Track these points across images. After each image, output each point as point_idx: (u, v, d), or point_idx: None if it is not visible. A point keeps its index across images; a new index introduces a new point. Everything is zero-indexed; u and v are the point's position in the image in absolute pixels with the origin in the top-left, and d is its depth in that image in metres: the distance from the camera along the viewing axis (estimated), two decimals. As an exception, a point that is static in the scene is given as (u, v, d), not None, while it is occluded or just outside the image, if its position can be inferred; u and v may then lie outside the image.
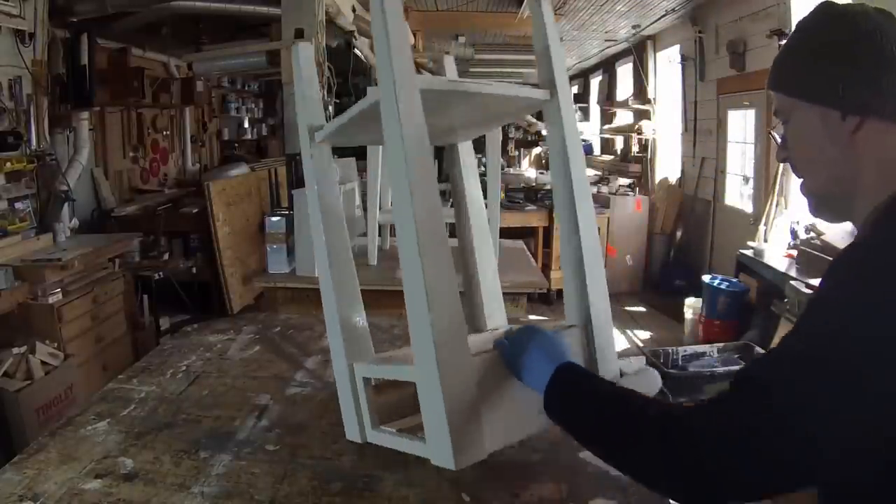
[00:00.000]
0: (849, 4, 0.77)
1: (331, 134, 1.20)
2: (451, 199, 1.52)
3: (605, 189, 6.59)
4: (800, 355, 0.67)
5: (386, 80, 0.92)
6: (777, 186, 4.13)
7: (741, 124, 5.10)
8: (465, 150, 1.46)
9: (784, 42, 0.87)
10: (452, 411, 0.89)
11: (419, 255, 0.90)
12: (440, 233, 0.93)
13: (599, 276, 1.15)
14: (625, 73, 8.31)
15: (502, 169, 6.99)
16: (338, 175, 2.76)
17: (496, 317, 1.46)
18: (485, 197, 2.76)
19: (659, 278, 6.18)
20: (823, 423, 0.64)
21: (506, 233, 3.05)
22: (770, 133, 4.10)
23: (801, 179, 0.84)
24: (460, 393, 0.91)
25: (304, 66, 1.24)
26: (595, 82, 9.96)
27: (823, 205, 0.83)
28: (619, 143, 8.40)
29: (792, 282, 3.30)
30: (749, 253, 4.06)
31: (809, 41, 0.80)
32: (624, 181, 6.99)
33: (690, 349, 3.82)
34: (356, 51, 3.87)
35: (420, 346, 0.92)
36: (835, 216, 0.85)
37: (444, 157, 1.51)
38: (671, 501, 0.96)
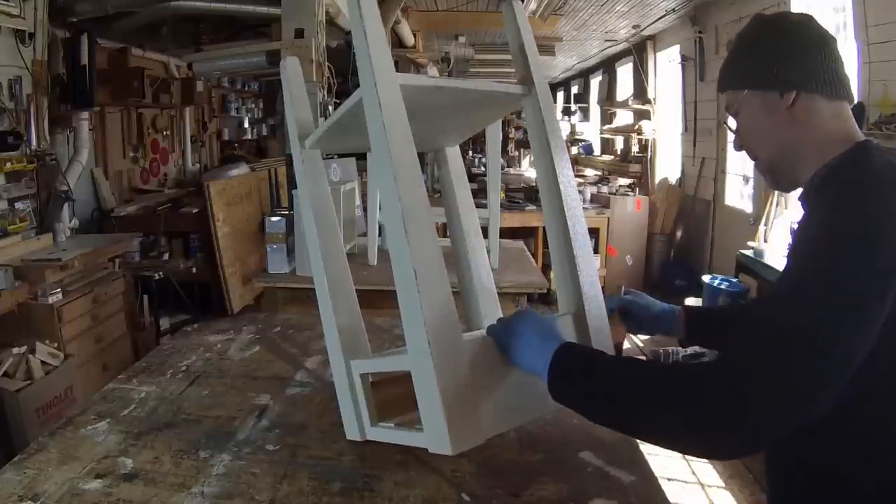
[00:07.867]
0: (776, 13, 0.98)
1: (320, 139, 1.21)
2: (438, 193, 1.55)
3: (605, 189, 6.58)
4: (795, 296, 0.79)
5: (366, 77, 0.96)
6: (777, 186, 4.12)
7: (741, 124, 5.10)
8: (453, 155, 1.49)
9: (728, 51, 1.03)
10: (447, 395, 0.89)
11: (405, 237, 0.91)
12: (424, 215, 0.94)
13: (589, 262, 1.15)
14: (625, 73, 8.31)
15: (502, 169, 6.99)
16: (338, 175, 2.76)
17: (492, 317, 1.46)
18: (485, 197, 2.78)
19: (659, 278, 6.17)
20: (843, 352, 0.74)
21: (506, 233, 3.05)
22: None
23: (756, 160, 0.99)
24: (454, 375, 0.91)
25: (293, 78, 1.28)
26: (595, 82, 9.97)
27: (776, 175, 0.98)
28: (619, 143, 8.39)
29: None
30: (749, 253, 4.06)
31: (746, 43, 0.97)
32: (624, 181, 6.98)
33: (690, 349, 3.81)
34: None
35: (412, 330, 0.93)
36: (787, 184, 0.98)
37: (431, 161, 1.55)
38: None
